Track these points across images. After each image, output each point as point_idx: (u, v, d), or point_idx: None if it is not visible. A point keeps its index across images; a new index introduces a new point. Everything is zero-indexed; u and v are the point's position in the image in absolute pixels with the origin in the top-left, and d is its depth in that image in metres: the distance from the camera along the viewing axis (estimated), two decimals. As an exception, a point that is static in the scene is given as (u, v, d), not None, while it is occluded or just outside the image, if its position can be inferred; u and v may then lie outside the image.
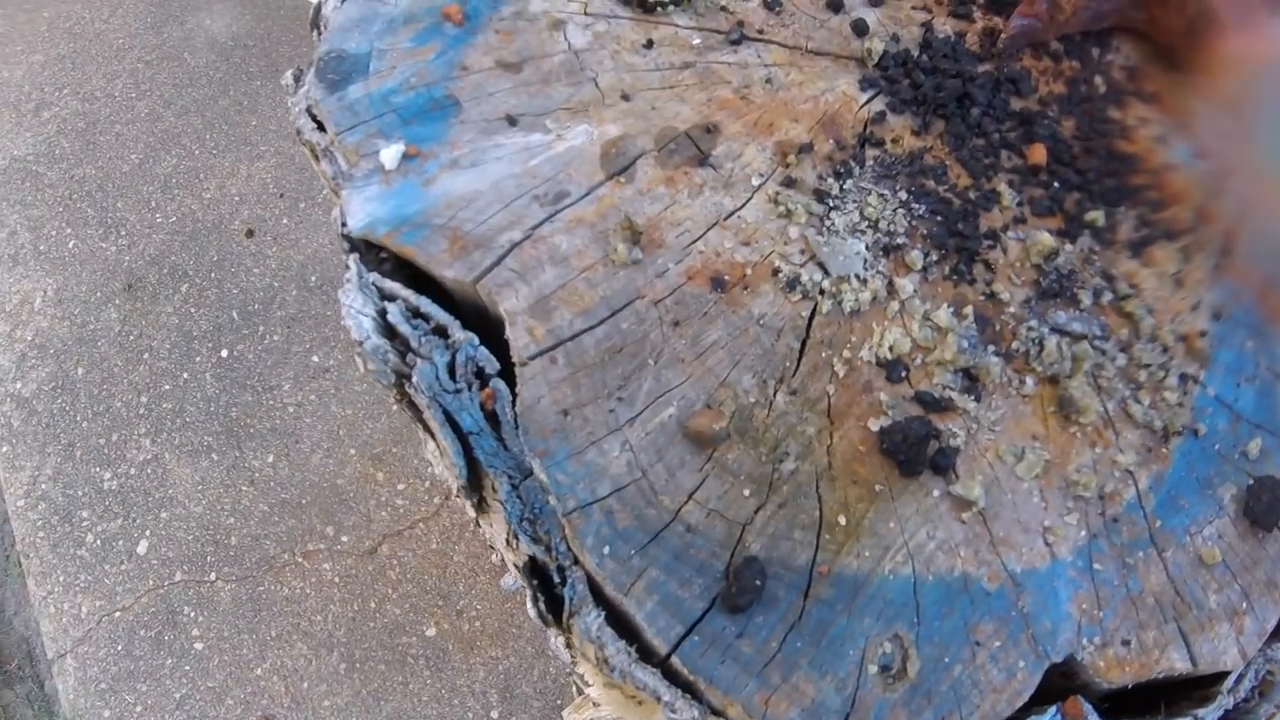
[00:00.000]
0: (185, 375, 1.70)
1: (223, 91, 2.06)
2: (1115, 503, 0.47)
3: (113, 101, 2.05)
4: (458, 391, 0.48)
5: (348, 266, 0.54)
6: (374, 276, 0.51)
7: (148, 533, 1.58)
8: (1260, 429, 0.51)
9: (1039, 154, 0.57)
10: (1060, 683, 0.45)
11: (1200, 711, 0.45)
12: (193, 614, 1.50)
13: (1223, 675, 0.46)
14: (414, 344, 0.50)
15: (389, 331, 0.52)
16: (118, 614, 1.51)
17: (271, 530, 1.56)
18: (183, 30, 2.17)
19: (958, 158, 0.56)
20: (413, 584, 1.51)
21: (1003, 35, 0.62)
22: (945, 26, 0.63)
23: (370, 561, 1.53)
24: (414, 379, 0.49)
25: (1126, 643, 0.44)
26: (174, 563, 1.55)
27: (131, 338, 1.75)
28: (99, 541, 1.58)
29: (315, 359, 1.71)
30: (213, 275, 1.80)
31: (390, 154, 0.54)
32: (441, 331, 0.50)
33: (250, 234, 1.84)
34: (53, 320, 1.77)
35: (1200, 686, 0.47)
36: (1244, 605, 0.46)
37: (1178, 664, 0.45)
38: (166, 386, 1.69)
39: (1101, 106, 0.63)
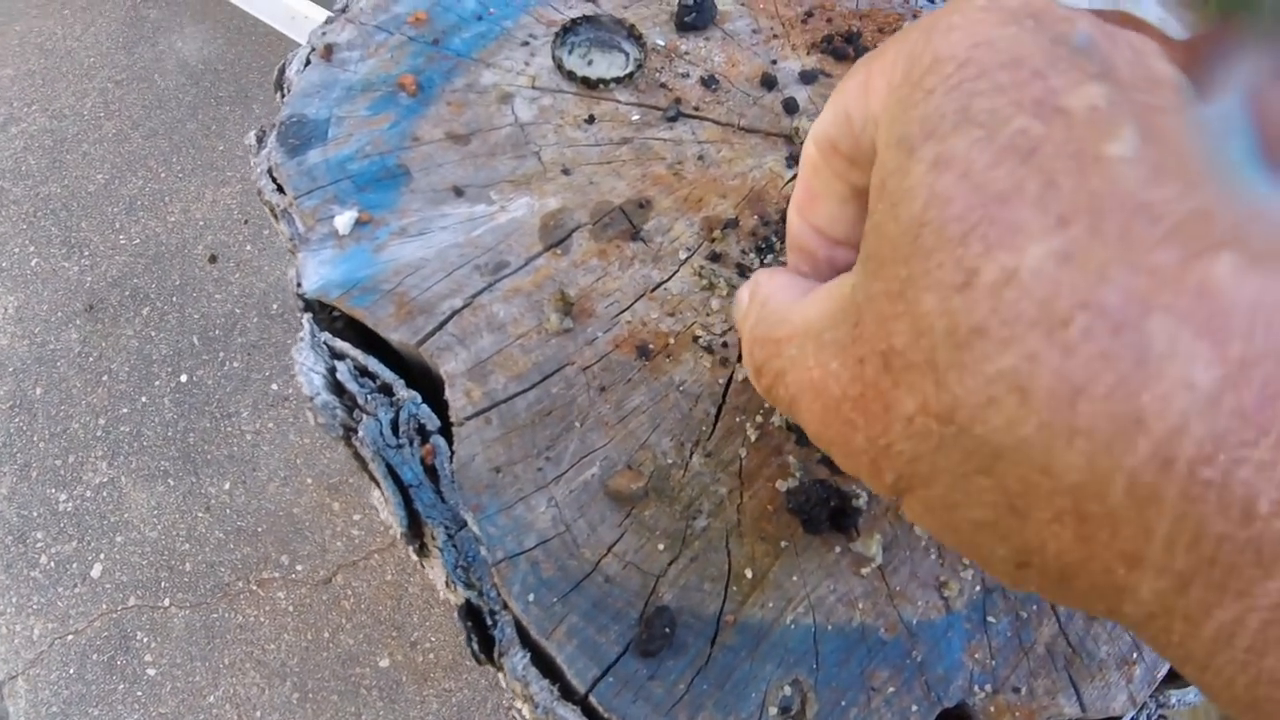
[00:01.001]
0: (144, 399, 1.71)
1: (191, 115, 2.08)
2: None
3: (81, 120, 2.06)
4: (400, 447, 0.52)
5: (302, 325, 0.58)
6: (325, 336, 0.55)
7: (102, 556, 1.59)
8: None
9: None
10: None
11: (1090, 754, 0.49)
12: (146, 639, 1.51)
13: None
14: (361, 401, 0.54)
15: (338, 388, 0.55)
16: (70, 637, 1.51)
17: (226, 557, 1.57)
18: (154, 52, 2.19)
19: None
20: (367, 614, 1.52)
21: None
22: (871, 104, 0.67)
23: (325, 591, 1.54)
24: (360, 433, 0.53)
25: (1017, 690, 0.48)
26: (128, 587, 1.56)
27: (91, 359, 1.76)
28: (53, 563, 1.58)
29: (274, 387, 1.73)
30: (174, 299, 1.82)
31: (344, 220, 0.57)
32: (387, 389, 0.53)
33: (213, 259, 1.85)
34: (12, 338, 1.77)
35: (1093, 730, 0.51)
36: (1134, 655, 0.50)
37: (1066, 709, 0.48)
38: (125, 410, 1.70)
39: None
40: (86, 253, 1.88)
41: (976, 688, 0.47)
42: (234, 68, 2.17)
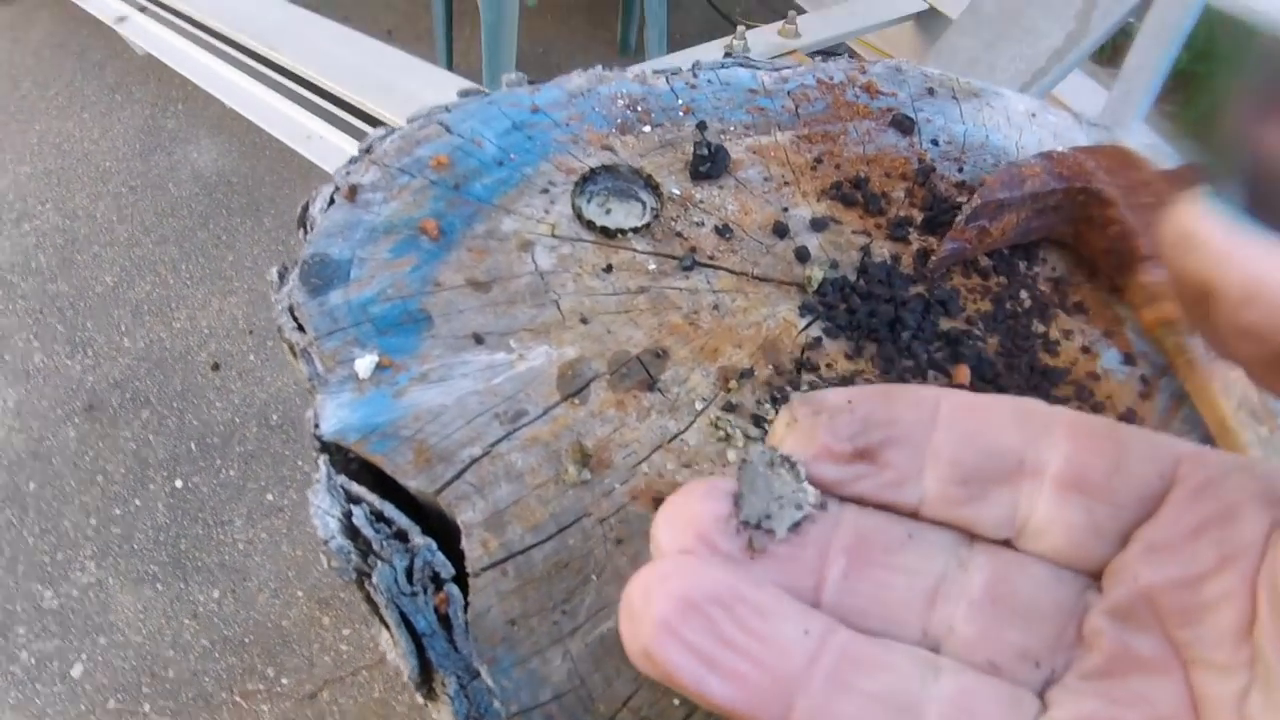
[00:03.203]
0: (137, 502, 1.70)
1: (202, 224, 2.13)
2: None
3: (93, 222, 2.11)
4: (414, 594, 0.51)
5: (318, 467, 0.58)
6: (342, 479, 0.55)
7: (84, 656, 1.56)
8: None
9: (962, 374, 0.63)
10: None
11: None
12: (124, 747, 1.47)
13: None
14: (375, 546, 0.54)
15: (353, 532, 0.55)
16: (46, 737, 1.47)
17: (211, 667, 1.54)
18: (169, 160, 2.24)
19: (887, 380, 0.61)
20: (353, 733, 1.49)
21: (933, 258, 0.68)
22: (883, 250, 0.69)
23: (310, 706, 1.51)
24: (374, 579, 0.53)
25: None
26: (108, 690, 1.52)
27: (87, 458, 1.75)
28: (33, 660, 1.55)
29: (270, 497, 1.72)
30: (174, 404, 1.82)
31: (365, 364, 0.58)
32: (402, 535, 0.53)
33: (216, 367, 1.87)
34: (9, 431, 1.77)
35: None
36: None
37: None
38: (117, 511, 1.69)
39: (1026, 322, 0.69)
40: (90, 352, 1.89)
41: None
42: (247, 181, 2.22)
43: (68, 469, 1.71)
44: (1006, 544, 0.28)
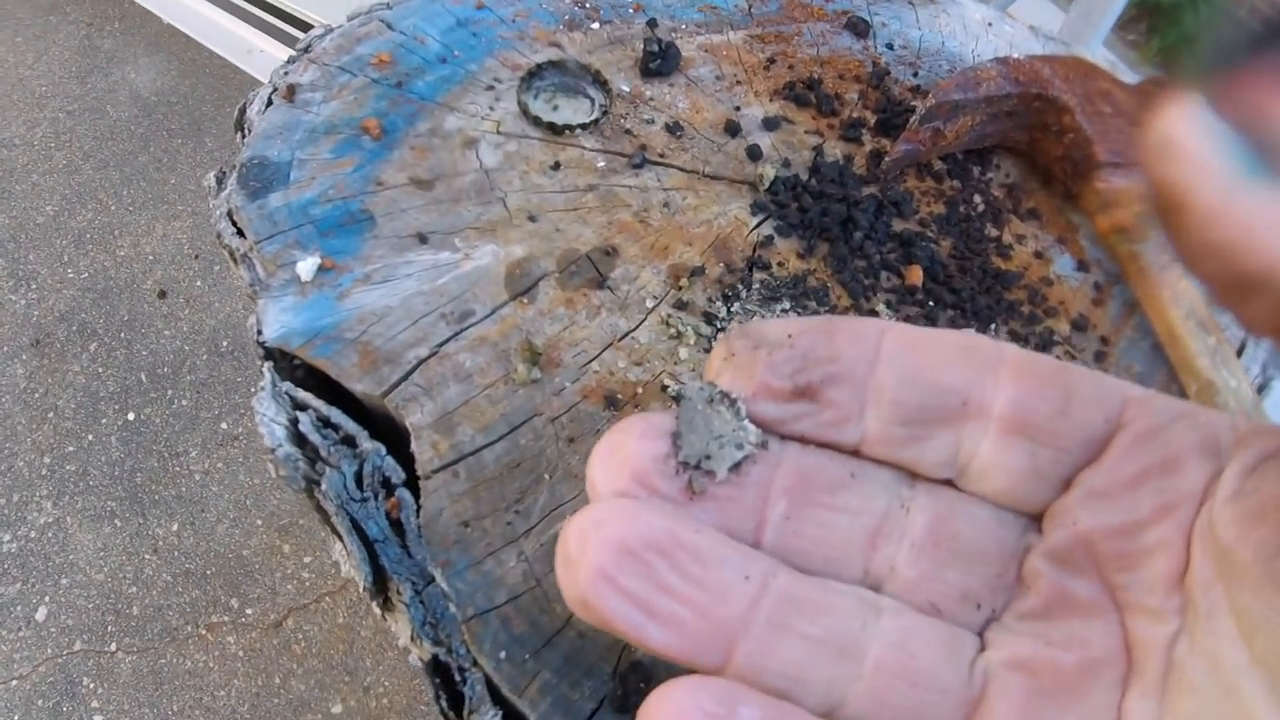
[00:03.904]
0: (90, 437, 1.67)
1: (143, 147, 2.05)
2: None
3: (31, 150, 2.02)
4: (364, 500, 0.50)
5: (263, 374, 0.56)
6: (287, 386, 0.54)
7: (47, 599, 1.54)
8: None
9: (915, 275, 0.62)
10: None
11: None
12: (92, 685, 1.46)
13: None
14: (323, 453, 0.52)
15: (300, 440, 0.54)
16: (14, 682, 1.45)
17: (174, 601, 1.53)
18: (107, 82, 2.15)
19: (839, 280, 0.60)
20: (318, 659, 1.49)
21: (887, 159, 0.67)
22: (835, 150, 0.68)
23: (275, 635, 1.51)
24: (323, 486, 0.51)
25: None
26: (73, 631, 1.51)
27: (37, 395, 1.71)
28: (-4, 606, 1.53)
29: (224, 426, 1.70)
30: (122, 335, 1.78)
31: (307, 266, 0.56)
32: (350, 441, 0.52)
33: (163, 295, 1.82)
34: (-45, 374, 1.72)
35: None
36: None
37: None
38: (71, 448, 1.66)
39: (979, 226, 0.68)
40: (34, 286, 1.84)
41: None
42: (187, 100, 2.14)
43: (18, 407, 1.66)
44: (948, 483, 0.28)
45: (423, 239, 0.57)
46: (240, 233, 0.61)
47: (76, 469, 1.64)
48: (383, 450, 0.51)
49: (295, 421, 0.53)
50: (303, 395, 0.53)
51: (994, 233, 0.68)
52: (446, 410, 0.50)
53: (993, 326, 0.62)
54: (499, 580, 0.46)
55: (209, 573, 1.55)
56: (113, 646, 1.50)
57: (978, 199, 0.70)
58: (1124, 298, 0.69)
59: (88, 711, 1.44)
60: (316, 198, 0.60)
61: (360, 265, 0.57)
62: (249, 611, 1.53)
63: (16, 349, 1.76)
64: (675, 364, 0.53)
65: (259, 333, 0.57)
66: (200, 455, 1.66)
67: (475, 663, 0.46)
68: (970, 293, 0.63)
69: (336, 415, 0.52)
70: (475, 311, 0.54)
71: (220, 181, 0.65)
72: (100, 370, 1.74)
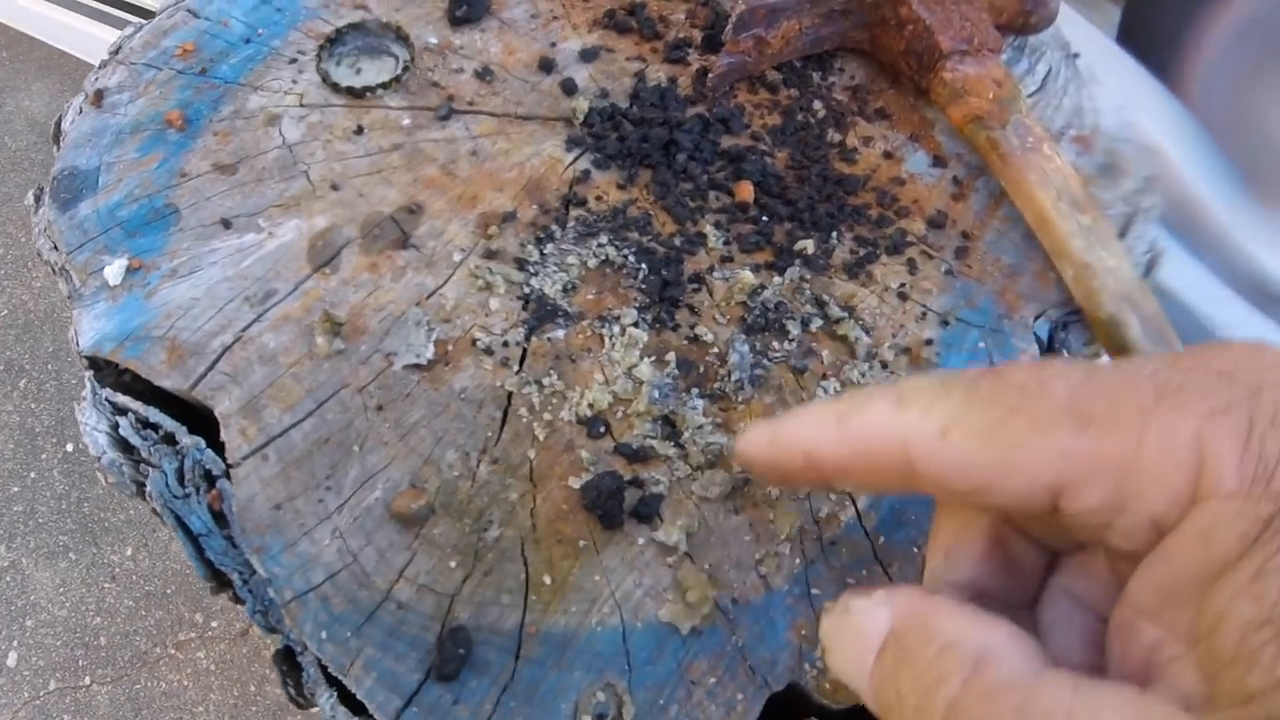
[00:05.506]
0: (33, 474, 1.65)
1: (45, 175, 2.00)
2: (833, 526, 0.49)
3: (-68, 194, 1.98)
4: (186, 496, 0.49)
5: (85, 384, 0.55)
6: (106, 392, 0.52)
7: (15, 643, 1.53)
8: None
9: (745, 191, 0.60)
10: (801, 706, 0.47)
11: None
12: (72, 721, 1.46)
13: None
14: (144, 454, 0.51)
15: (124, 445, 0.52)
16: (-4, 731, 1.45)
17: (140, 625, 1.52)
18: (1, 114, 2.10)
19: (663, 205, 0.58)
20: (283, 660, 1.48)
21: (710, 74, 0.65)
22: (659, 74, 0.66)
23: (244, 644, 1.50)
24: (147, 487, 0.50)
25: None
26: (46, 671, 1.50)
27: (-26, 441, 1.69)
28: (-34, 658, 1.52)
29: (160, 444, 1.67)
30: (50, 367, 1.75)
31: (113, 270, 0.55)
32: (170, 439, 0.51)
33: (84, 322, 1.78)
34: (-111, 434, 1.69)
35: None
36: None
37: None
38: (15, 489, 1.64)
39: (819, 132, 0.66)
40: (-45, 331, 1.80)
41: (808, 665, 0.46)
42: (87, 121, 2.09)
43: (-41, 456, 1.65)
44: None
45: (226, 224, 0.56)
46: (56, 247, 0.59)
47: (24, 509, 1.62)
48: (202, 444, 0.49)
49: (116, 426, 0.52)
50: (121, 399, 0.52)
51: (836, 138, 0.66)
52: (253, 394, 0.49)
53: (834, 234, 0.60)
54: (314, 559, 0.45)
55: (169, 591, 1.54)
56: (87, 680, 1.49)
57: (818, 105, 0.68)
58: (989, 189, 0.67)
59: (71, 748, 1.44)
60: (123, 199, 0.58)
61: (167, 260, 0.55)
62: (214, 625, 1.52)
63: (-53, 397, 1.73)
64: (486, 316, 0.52)
65: (77, 344, 0.55)
66: (143, 477, 1.64)
67: (306, 646, 0.45)
68: (808, 202, 0.61)
69: (154, 415, 0.51)
70: (278, 290, 0.52)
71: (38, 199, 0.63)
72: (33, 406, 1.72)
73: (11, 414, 1.71)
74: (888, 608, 0.24)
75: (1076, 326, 0.62)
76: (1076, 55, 0.77)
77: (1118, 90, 0.76)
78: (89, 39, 1.92)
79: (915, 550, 0.49)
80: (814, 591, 0.47)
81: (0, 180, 1.99)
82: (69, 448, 1.67)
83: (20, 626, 1.54)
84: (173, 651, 1.50)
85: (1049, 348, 0.60)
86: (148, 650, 1.51)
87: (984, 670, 0.21)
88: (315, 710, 0.47)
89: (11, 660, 1.51)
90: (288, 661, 0.49)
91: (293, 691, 0.49)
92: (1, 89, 2.15)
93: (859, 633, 0.24)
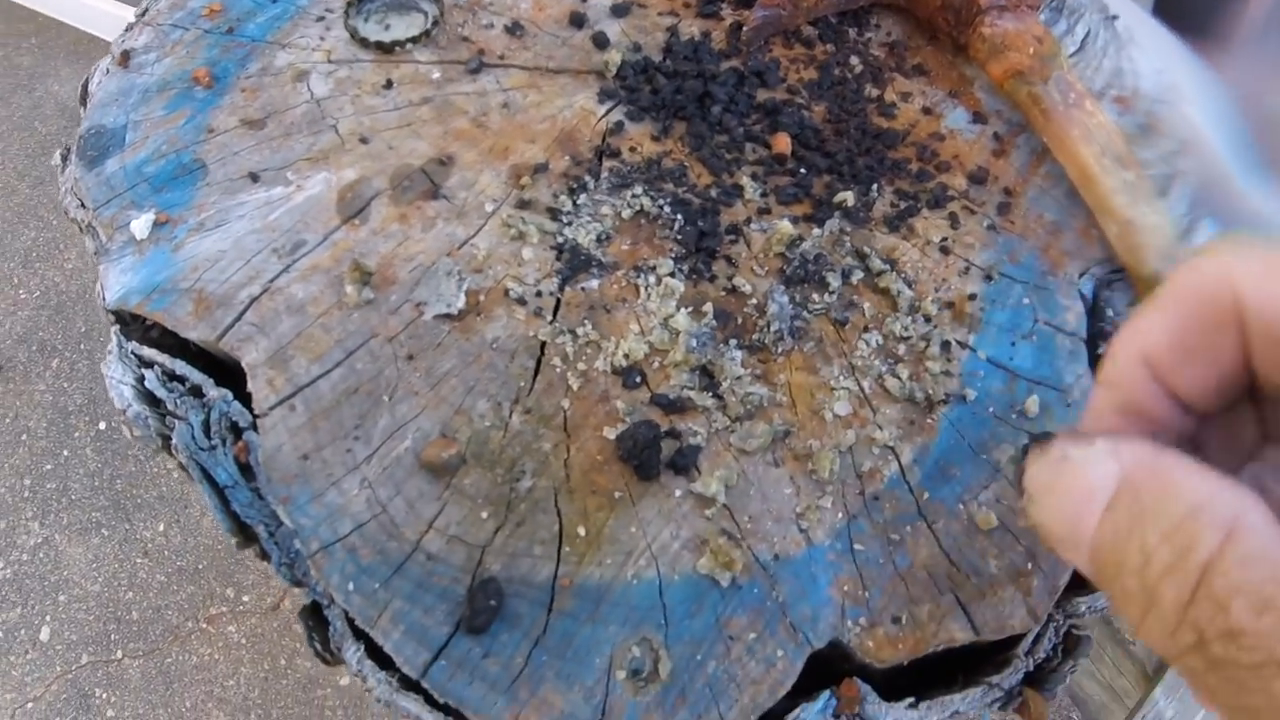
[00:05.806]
0: (66, 452, 1.66)
1: (77, 159, 2.01)
2: (876, 480, 0.48)
3: (-36, 177, 2.00)
4: (213, 448, 0.48)
5: (111, 338, 0.55)
6: (132, 345, 0.52)
7: (48, 618, 1.54)
8: (1039, 384, 0.52)
9: (782, 143, 0.59)
10: (843, 665, 0.46)
11: (997, 678, 0.45)
12: (105, 695, 1.47)
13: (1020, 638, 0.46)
14: (171, 406, 0.50)
15: (150, 398, 0.52)
16: (30, 705, 1.46)
17: (172, 600, 1.53)
18: (31, 99, 2.12)
19: (698, 157, 0.57)
20: (314, 634, 1.48)
21: (745, 28, 0.64)
22: (692, 28, 0.65)
23: (274, 618, 1.51)
24: (174, 440, 0.49)
25: (897, 619, 0.45)
26: (79, 645, 1.51)
27: (7, 420, 1.70)
28: (1, 632, 1.53)
29: (191, 420, 1.68)
30: (82, 347, 1.76)
31: (140, 224, 0.54)
32: (197, 391, 0.50)
33: (116, 301, 1.79)
34: (-77, 411, 1.71)
35: (1002, 650, 0.47)
36: (1029, 565, 0.47)
37: (958, 634, 0.45)
38: (48, 466, 1.65)
39: (856, 87, 0.65)
40: (-11, 312, 1.82)
41: (850, 622, 0.44)
42: (117, 103, 2.10)
43: (-7, 435, 1.66)
44: None
45: (255, 178, 0.55)
46: (83, 204, 0.59)
47: (57, 486, 1.63)
48: (229, 396, 0.49)
49: (142, 380, 0.51)
50: (147, 352, 0.51)
51: (875, 93, 0.65)
52: (280, 345, 0.48)
53: (874, 187, 0.59)
54: (342, 510, 0.44)
55: (200, 567, 1.55)
56: (119, 654, 1.50)
57: (855, 60, 0.66)
58: (1030, 146, 0.65)
59: (104, 721, 1.45)
60: (150, 155, 0.58)
61: (194, 214, 0.54)
62: (245, 599, 1.52)
63: (-19, 378, 1.75)
64: (519, 265, 0.51)
65: (103, 298, 0.55)
66: (174, 454, 1.65)
67: (332, 599, 0.44)
68: (847, 155, 0.60)
69: (181, 367, 0.50)
70: (307, 241, 0.52)
71: (65, 159, 0.63)
72: (65, 385, 1.73)
73: (45, 393, 1.72)
74: (1114, 459, 0.22)
75: (1121, 285, 0.60)
76: (1115, 17, 0.74)
77: (1155, 55, 0.74)
78: (119, 23, 1.93)
79: (960, 506, 0.48)
80: (856, 547, 0.46)
81: (31, 164, 2.01)
82: (101, 425, 1.68)
83: (53, 601, 1.55)
84: (204, 625, 1.51)
85: (1093, 305, 0.59)
86: (179, 624, 1.51)
87: (1239, 536, 0.19)
88: (345, 683, 0.46)
89: (45, 635, 1.52)
90: (314, 617, 0.48)
91: (319, 647, 0.48)
92: (31, 74, 2.16)
93: (1081, 483, 0.22)
